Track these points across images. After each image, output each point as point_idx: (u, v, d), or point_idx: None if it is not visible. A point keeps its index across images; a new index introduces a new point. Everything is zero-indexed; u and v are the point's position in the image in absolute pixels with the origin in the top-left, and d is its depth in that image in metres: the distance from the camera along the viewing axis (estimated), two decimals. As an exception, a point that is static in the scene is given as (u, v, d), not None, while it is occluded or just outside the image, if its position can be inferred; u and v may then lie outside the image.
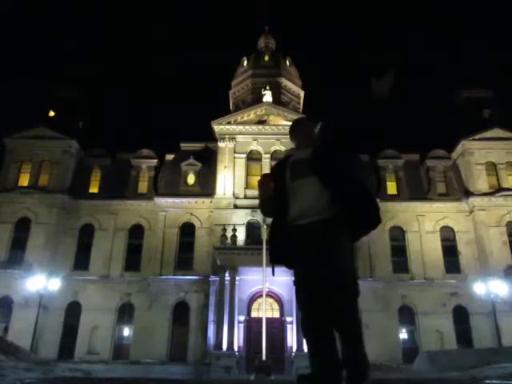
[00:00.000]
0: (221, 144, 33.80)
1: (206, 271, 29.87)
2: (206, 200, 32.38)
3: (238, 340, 27.42)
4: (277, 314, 29.11)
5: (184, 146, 35.91)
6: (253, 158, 33.82)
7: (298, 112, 36.01)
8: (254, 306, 29.24)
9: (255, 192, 25.73)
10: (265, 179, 3.53)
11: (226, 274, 27.96)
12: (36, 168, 33.92)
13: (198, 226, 32.14)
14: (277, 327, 28.18)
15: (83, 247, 32.21)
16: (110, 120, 74.08)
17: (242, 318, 28.41)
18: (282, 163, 3.69)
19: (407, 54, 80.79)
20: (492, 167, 33.52)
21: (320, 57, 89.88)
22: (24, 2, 78.51)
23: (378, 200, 30.03)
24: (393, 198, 33.18)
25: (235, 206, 31.54)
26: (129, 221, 32.89)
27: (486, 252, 30.75)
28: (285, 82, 40.50)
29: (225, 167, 32.89)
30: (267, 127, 34.10)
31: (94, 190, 34.38)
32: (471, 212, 32.45)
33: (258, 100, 36.60)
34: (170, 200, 32.57)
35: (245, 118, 34.70)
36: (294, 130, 3.80)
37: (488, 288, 26.70)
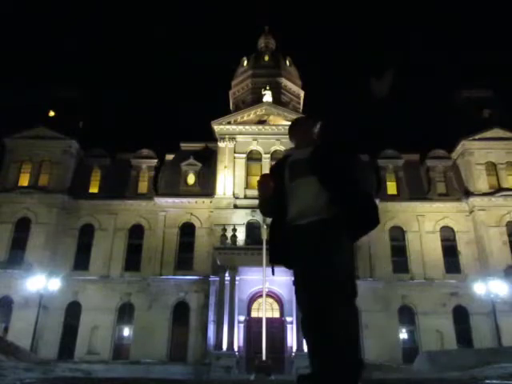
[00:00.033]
0: (221, 144, 33.81)
1: (206, 271, 29.87)
2: (206, 200, 32.39)
3: (238, 340, 27.41)
4: (277, 314, 29.11)
5: (184, 146, 35.92)
6: (253, 157, 33.82)
7: (297, 112, 36.02)
8: (254, 306, 29.24)
9: (255, 192, 25.71)
10: (264, 179, 3.52)
11: (226, 274, 27.96)
12: (36, 168, 33.92)
13: (198, 225, 32.14)
14: (277, 327, 28.18)
15: (83, 247, 32.21)
16: (110, 120, 74.09)
17: (242, 318, 28.41)
18: (280, 163, 3.68)
19: (407, 53, 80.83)
20: (492, 167, 33.52)
21: (320, 57, 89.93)
22: (24, 2, 78.55)
23: (377, 200, 30.28)
24: (393, 197, 33.18)
25: (235, 206, 31.54)
26: (129, 221, 32.89)
27: (486, 252, 30.75)
28: (285, 81, 40.50)
29: (225, 167, 32.89)
30: (267, 127, 34.11)
31: (94, 190, 34.38)
32: (471, 212, 32.45)
33: (258, 100, 36.60)
34: (169, 200, 32.58)
35: (245, 118, 34.71)
36: (293, 130, 3.79)
37: (488, 288, 26.70)
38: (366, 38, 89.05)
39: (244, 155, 33.58)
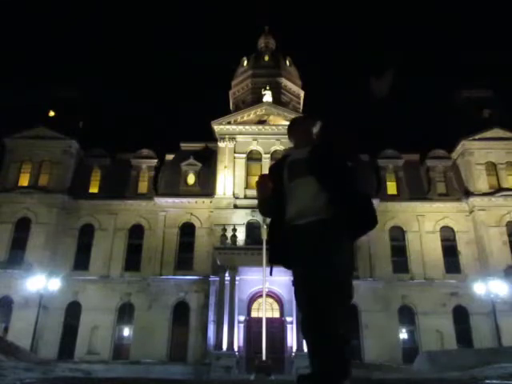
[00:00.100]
0: (221, 144, 33.81)
1: (206, 271, 29.87)
2: (206, 200, 32.39)
3: (238, 340, 27.42)
4: (277, 314, 29.11)
5: (184, 146, 35.92)
6: (253, 158, 33.83)
7: (297, 112, 36.03)
8: (254, 306, 29.25)
9: (255, 192, 25.74)
10: (262, 180, 3.52)
11: (226, 274, 27.96)
12: (36, 168, 33.93)
13: (198, 226, 32.15)
14: (277, 327, 28.19)
15: (83, 247, 32.22)
16: (110, 120, 74.06)
17: (242, 318, 28.42)
18: (280, 163, 3.68)
19: (407, 53, 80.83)
20: (492, 167, 33.53)
21: (320, 57, 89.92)
22: (24, 2, 78.55)
23: (377, 200, 30.33)
24: (393, 197, 33.19)
25: (235, 206, 31.55)
26: (129, 221, 32.90)
27: (486, 252, 30.75)
28: (285, 81, 40.51)
29: (225, 167, 32.90)
30: (267, 127, 34.11)
31: (94, 190, 34.39)
32: (471, 212, 32.45)
33: (258, 100, 36.61)
34: (169, 200, 32.58)
35: (245, 118, 34.71)
36: (292, 129, 3.78)
37: (488, 288, 26.70)
38: (365, 38, 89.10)
39: (244, 155, 33.58)
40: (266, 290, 24.57)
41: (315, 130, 3.70)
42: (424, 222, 32.47)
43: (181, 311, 29.80)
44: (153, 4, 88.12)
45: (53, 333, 29.33)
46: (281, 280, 23.31)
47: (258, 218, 29.42)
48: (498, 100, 36.43)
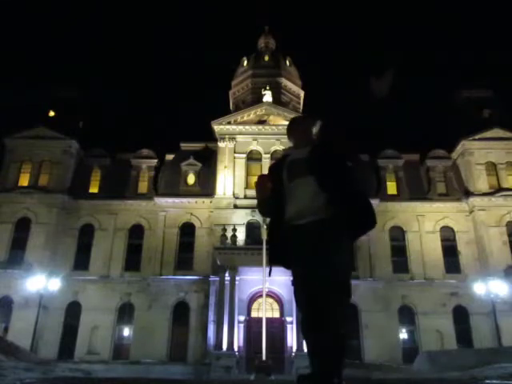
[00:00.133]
0: (221, 144, 33.81)
1: (206, 271, 29.87)
2: (206, 200, 32.39)
3: (238, 340, 27.42)
4: (277, 314, 29.12)
5: (184, 146, 35.92)
6: (253, 158, 33.83)
7: (297, 112, 36.03)
8: (254, 306, 29.25)
9: (255, 192, 25.77)
10: (261, 180, 3.51)
11: (226, 274, 27.96)
12: (36, 168, 33.93)
13: (198, 225, 32.15)
14: (277, 327, 28.19)
15: (83, 247, 32.22)
16: (110, 120, 74.06)
17: (242, 318, 28.42)
18: (279, 163, 3.67)
19: (407, 53, 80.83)
20: (492, 167, 33.52)
21: (320, 57, 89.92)
22: (24, 2, 78.54)
23: (377, 200, 30.33)
24: (393, 197, 33.19)
25: (235, 206, 31.55)
26: (129, 221, 32.90)
27: (486, 252, 30.75)
28: (285, 81, 40.51)
29: (225, 167, 32.90)
30: (267, 127, 34.11)
31: (94, 190, 34.38)
32: (471, 212, 32.45)
33: (258, 100, 36.61)
34: (169, 200, 32.58)
35: (245, 118, 34.71)
36: (292, 129, 3.78)
37: (488, 288, 26.70)
38: (365, 38, 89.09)
39: (244, 155, 33.59)
40: (266, 290, 24.57)
41: (315, 129, 3.69)
42: (424, 222, 32.47)
43: (181, 311, 29.80)
44: (153, 4, 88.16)
45: (53, 333, 29.33)
46: (281, 280, 23.28)
47: (258, 218, 29.42)
48: (498, 100, 36.43)
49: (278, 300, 29.13)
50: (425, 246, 31.82)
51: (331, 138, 3.63)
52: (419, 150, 36.04)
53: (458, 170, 34.57)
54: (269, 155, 33.15)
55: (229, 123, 34.46)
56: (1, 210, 32.20)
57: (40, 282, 25.83)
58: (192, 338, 28.94)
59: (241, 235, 29.73)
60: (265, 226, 24.67)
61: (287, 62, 42.58)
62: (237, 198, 31.89)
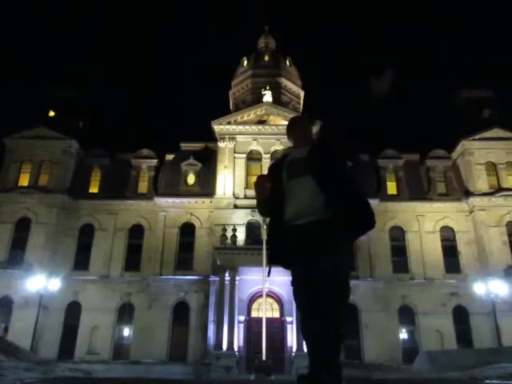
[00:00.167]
0: (221, 144, 33.81)
1: (206, 271, 29.87)
2: (206, 200, 32.39)
3: (238, 340, 27.42)
4: (277, 314, 29.11)
5: (184, 146, 35.92)
6: (253, 158, 33.83)
7: (297, 112, 36.06)
8: (254, 306, 29.25)
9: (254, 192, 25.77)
10: (260, 180, 3.51)
11: (226, 274, 27.96)
12: (36, 168, 33.93)
13: (198, 225, 32.15)
14: (277, 327, 28.19)
15: (83, 247, 32.22)
16: (110, 120, 74.08)
17: (242, 318, 28.42)
18: (278, 162, 3.67)
19: (407, 53, 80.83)
20: (492, 167, 33.52)
21: (320, 57, 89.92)
22: (24, 2, 78.55)
23: (377, 200, 30.34)
24: (393, 197, 33.19)
25: (235, 206, 31.55)
26: (129, 221, 32.90)
27: (486, 252, 30.75)
28: (285, 81, 40.51)
29: (225, 167, 32.90)
30: (267, 127, 34.11)
31: (94, 190, 34.38)
32: (471, 212, 32.45)
33: (258, 100, 36.61)
34: (170, 200, 32.58)
35: (245, 118, 34.71)
36: (291, 128, 3.78)
37: (488, 288, 26.70)
38: (366, 38, 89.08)
39: (244, 155, 33.59)
40: (266, 290, 24.56)
41: (315, 129, 3.69)
42: (424, 222, 32.47)
43: (181, 311, 29.80)
44: (153, 4, 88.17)
45: (53, 333, 29.32)
46: (281, 280, 23.24)
47: (258, 218, 29.40)
48: (498, 100, 36.43)
49: (278, 300, 29.13)
50: (425, 245, 31.82)
51: (331, 137, 3.62)
52: (419, 150, 36.06)
53: (457, 170, 34.57)
54: (269, 155, 33.16)
55: (229, 123, 34.46)
56: (1, 210, 32.20)
57: (40, 282, 25.83)
58: (192, 338, 28.94)
59: (241, 235, 29.73)
60: (265, 226, 24.66)
61: (287, 62, 42.58)
62: (237, 197, 31.89)
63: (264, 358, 21.40)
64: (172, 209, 32.38)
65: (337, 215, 3.22)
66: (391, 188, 33.98)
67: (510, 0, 58.97)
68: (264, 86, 36.81)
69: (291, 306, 27.04)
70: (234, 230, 28.68)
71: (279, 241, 3.42)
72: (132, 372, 20.51)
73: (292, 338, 27.23)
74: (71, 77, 70.72)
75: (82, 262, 31.63)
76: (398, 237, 32.52)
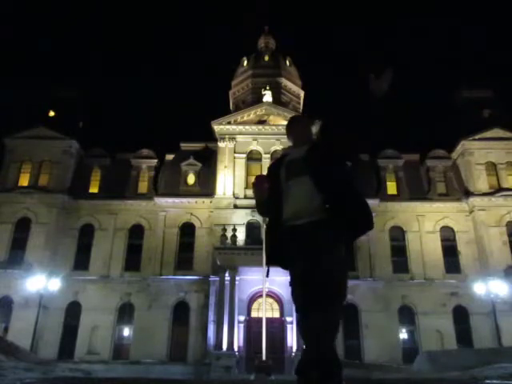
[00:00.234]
0: (221, 144, 33.81)
1: (206, 271, 29.87)
2: (206, 200, 32.39)
3: (238, 340, 27.41)
4: (277, 314, 29.11)
5: (184, 145, 35.92)
6: (253, 157, 33.83)
7: (298, 112, 36.02)
8: (254, 306, 29.24)
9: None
10: (258, 180, 3.50)
11: (226, 274, 27.96)
12: (36, 168, 33.93)
13: (198, 225, 32.15)
14: (277, 327, 28.18)
15: (83, 247, 32.21)
16: (110, 120, 74.08)
17: (242, 318, 28.42)
18: (278, 162, 3.66)
19: (407, 54, 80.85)
20: (492, 167, 33.52)
21: (320, 57, 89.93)
22: (24, 2, 78.55)
23: (377, 200, 30.34)
24: (393, 197, 33.19)
25: (235, 206, 31.55)
26: (129, 221, 32.90)
27: (486, 252, 30.74)
28: (285, 81, 40.50)
29: (225, 167, 32.90)
30: (267, 127, 34.12)
31: (94, 190, 34.38)
32: (471, 212, 32.45)
33: (258, 100, 36.61)
34: (170, 200, 32.57)
35: (245, 118, 34.71)
36: (291, 127, 3.77)
37: (488, 288, 26.71)
38: (365, 38, 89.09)
39: (244, 155, 33.59)
40: (266, 290, 24.55)
41: (314, 129, 3.68)
42: (424, 221, 32.46)
43: (181, 311, 29.79)
44: (153, 4, 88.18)
45: (53, 333, 29.32)
46: (281, 280, 23.27)
47: (258, 218, 29.39)
48: (498, 100, 36.42)
49: (278, 300, 29.13)
50: (425, 245, 31.81)
51: (331, 137, 3.61)
52: (419, 150, 36.06)
53: (457, 170, 34.56)
54: (269, 155, 33.15)
55: (229, 123, 34.46)
56: (1, 210, 32.20)
57: (40, 282, 25.83)
58: (192, 338, 28.93)
59: (241, 235, 29.73)
60: (265, 226, 24.61)
61: (287, 62, 42.58)
62: (237, 198, 31.89)
63: (264, 357, 21.37)
64: (172, 209, 32.37)
65: (334, 216, 3.21)
66: (391, 188, 33.98)
67: (509, 0, 58.97)
68: (264, 86, 36.82)
69: (291, 306, 26.99)
70: (234, 230, 28.68)
71: (277, 241, 3.41)
72: (132, 372, 20.53)
73: (292, 338, 27.24)
74: (71, 77, 70.77)
75: (81, 262, 31.63)
76: (397, 237, 32.52)
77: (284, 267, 3.42)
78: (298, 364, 3.17)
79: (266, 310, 23.49)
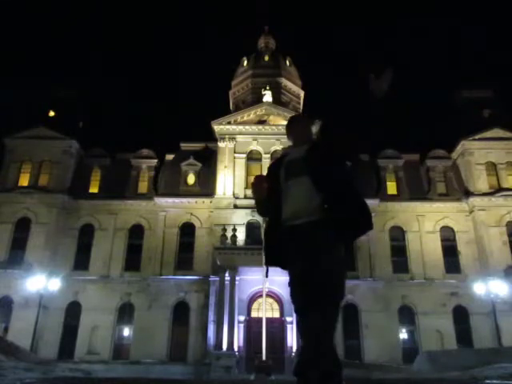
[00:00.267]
0: (221, 144, 33.81)
1: (206, 271, 29.87)
2: (206, 200, 32.38)
3: (238, 340, 27.41)
4: (277, 314, 29.11)
5: (184, 146, 35.91)
6: (253, 157, 33.83)
7: (298, 112, 35.99)
8: (254, 305, 29.24)
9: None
10: (258, 180, 3.50)
11: (226, 274, 27.96)
12: (36, 168, 33.93)
13: (198, 225, 32.14)
14: (277, 327, 28.18)
15: (83, 247, 32.21)
16: (110, 120, 74.07)
17: (242, 318, 28.42)
18: (277, 162, 3.65)
19: (407, 54, 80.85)
20: (492, 167, 33.52)
21: (320, 57, 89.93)
22: (24, 2, 78.56)
23: (377, 200, 30.33)
24: (393, 197, 33.19)
25: (235, 206, 31.54)
26: (129, 221, 32.90)
27: (486, 252, 30.74)
28: (285, 81, 40.50)
29: (225, 167, 32.90)
30: (267, 127, 34.11)
31: (94, 190, 34.38)
32: (471, 212, 32.44)
33: (258, 100, 36.61)
34: (170, 200, 32.57)
35: (245, 118, 34.71)
36: (290, 127, 3.77)
37: (488, 288, 26.71)
38: (365, 38, 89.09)
39: (244, 155, 33.58)
40: (266, 289, 24.56)
41: (314, 129, 3.68)
42: (424, 221, 32.46)
43: (181, 311, 29.79)
44: (153, 4, 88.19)
45: (53, 333, 29.32)
46: (281, 280, 23.15)
47: (258, 218, 29.38)
48: (498, 100, 36.42)
49: (278, 300, 29.13)
50: (425, 245, 31.81)
51: (331, 137, 3.60)
52: (419, 150, 36.07)
53: (457, 170, 34.56)
54: (269, 155, 33.15)
55: (229, 123, 34.46)
56: (1, 209, 32.20)
57: (40, 282, 25.84)
58: (192, 338, 28.93)
59: (241, 235, 29.73)
60: (265, 226, 24.63)
61: (287, 62, 42.57)
62: (237, 198, 31.89)
63: (264, 357, 21.38)
64: (172, 209, 32.37)
65: (334, 216, 3.20)
66: (391, 188, 33.98)
67: (509, 0, 58.97)
68: (264, 86, 36.82)
69: (291, 305, 26.45)
70: (234, 230, 28.68)
71: (276, 241, 3.41)
72: (132, 372, 20.53)
73: (292, 338, 27.25)
74: (71, 77, 70.77)
75: (81, 262, 31.63)
76: (398, 237, 32.52)
77: (283, 267, 3.41)
78: (296, 365, 3.17)
79: (265, 310, 23.51)
